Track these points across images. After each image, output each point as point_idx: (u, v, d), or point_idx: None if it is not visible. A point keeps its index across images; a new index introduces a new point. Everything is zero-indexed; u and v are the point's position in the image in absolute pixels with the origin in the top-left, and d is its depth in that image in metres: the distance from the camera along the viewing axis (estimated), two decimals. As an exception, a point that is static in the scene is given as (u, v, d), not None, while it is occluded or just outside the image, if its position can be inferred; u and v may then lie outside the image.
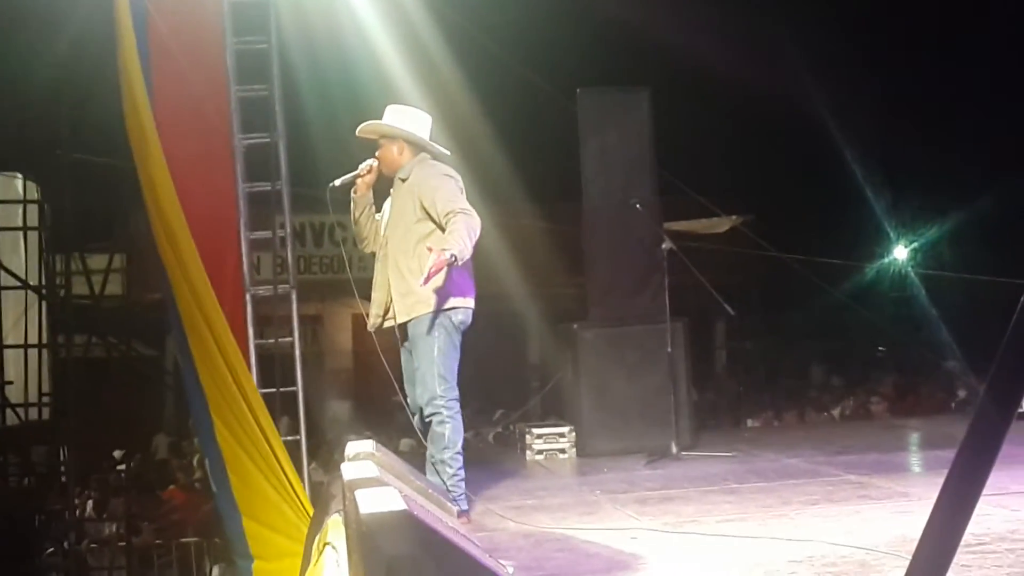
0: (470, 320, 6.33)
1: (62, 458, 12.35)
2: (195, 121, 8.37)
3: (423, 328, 6.22)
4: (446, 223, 6.10)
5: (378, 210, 6.58)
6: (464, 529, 5.12)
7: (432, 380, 6.19)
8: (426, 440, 6.41)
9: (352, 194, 6.47)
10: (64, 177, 12.33)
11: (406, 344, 6.42)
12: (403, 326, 6.33)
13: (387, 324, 6.43)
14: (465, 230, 6.00)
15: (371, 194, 6.49)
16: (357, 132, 6.49)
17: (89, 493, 13.21)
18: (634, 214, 9.14)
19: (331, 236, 18.66)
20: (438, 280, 6.08)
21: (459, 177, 6.39)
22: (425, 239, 6.18)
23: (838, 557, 4.60)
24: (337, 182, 6.38)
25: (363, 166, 6.42)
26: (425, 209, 6.23)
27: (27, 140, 12.79)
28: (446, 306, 6.21)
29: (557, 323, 10.59)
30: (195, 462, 13.55)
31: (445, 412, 6.18)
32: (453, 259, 5.84)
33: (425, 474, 6.22)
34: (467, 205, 6.18)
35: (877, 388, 16.44)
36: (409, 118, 6.46)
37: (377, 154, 6.44)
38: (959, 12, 17.27)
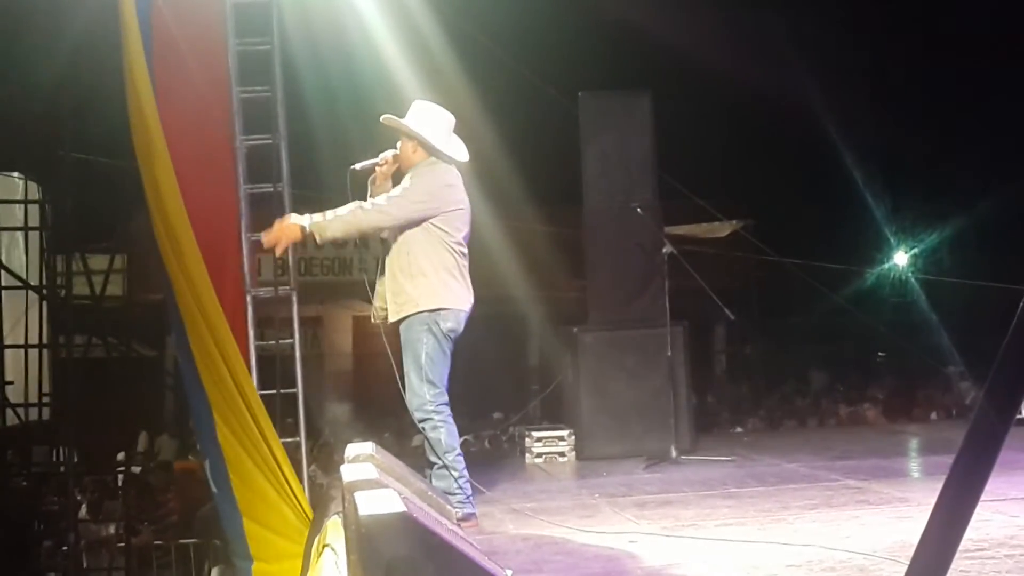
0: (460, 327, 6.33)
1: (62, 458, 12.34)
2: (197, 122, 8.36)
3: (412, 333, 6.24)
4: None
5: None
6: (463, 531, 5.13)
7: (421, 386, 6.20)
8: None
9: (370, 184, 6.53)
10: (65, 177, 12.32)
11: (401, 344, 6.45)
12: (398, 325, 6.36)
13: (392, 318, 6.47)
14: (350, 216, 6.23)
15: (389, 184, 6.54)
16: (381, 120, 6.54)
17: (87, 494, 13.21)
18: (635, 218, 9.15)
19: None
20: (428, 282, 6.22)
21: (449, 185, 6.40)
22: (412, 240, 6.29)
23: (836, 562, 4.60)
24: (358, 166, 6.50)
25: (383, 156, 6.51)
26: None
27: (29, 140, 12.79)
28: (432, 306, 6.23)
29: (557, 326, 10.59)
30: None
31: (436, 417, 6.19)
32: (303, 228, 6.20)
33: (425, 476, 6.23)
34: (397, 211, 6.26)
35: (876, 393, 16.45)
36: (430, 119, 6.47)
37: (398, 147, 6.50)
38: (961, 16, 17.26)
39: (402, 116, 6.49)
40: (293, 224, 6.23)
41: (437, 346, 6.24)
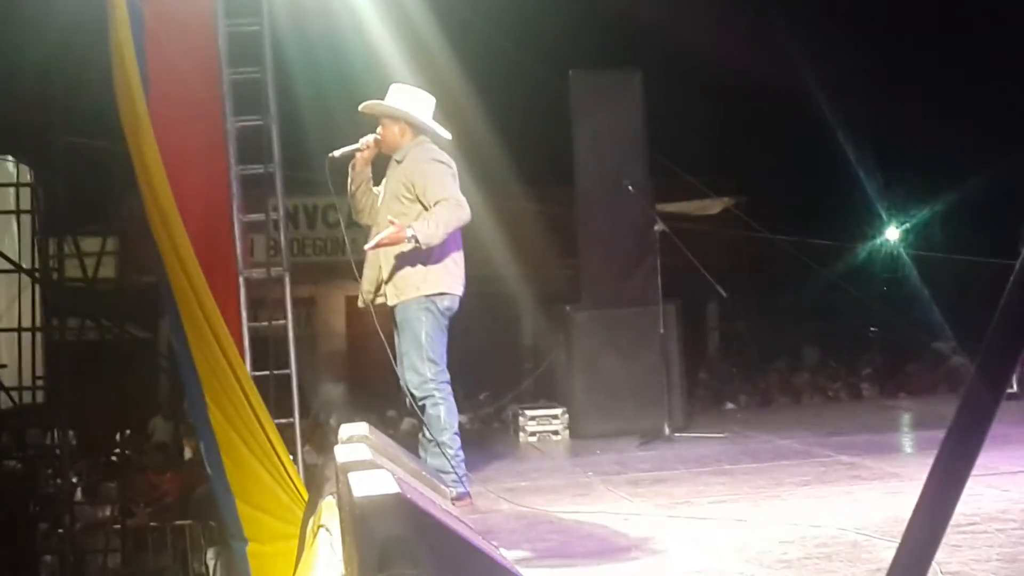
0: (456, 307, 6.37)
1: (56, 441, 12.36)
2: (188, 104, 8.36)
3: (410, 313, 6.25)
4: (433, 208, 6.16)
5: (376, 184, 6.60)
6: (458, 511, 5.14)
7: (422, 364, 6.21)
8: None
9: (350, 169, 6.52)
10: (57, 160, 12.30)
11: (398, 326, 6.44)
12: (393, 308, 6.36)
13: (378, 300, 6.43)
14: (445, 218, 6.10)
15: (369, 169, 6.54)
16: (360, 108, 6.52)
17: (83, 476, 13.22)
18: (626, 196, 9.14)
19: (324, 218, 18.63)
20: (433, 269, 6.21)
21: (453, 163, 6.41)
22: (415, 222, 6.24)
23: (829, 537, 4.62)
24: (336, 153, 6.44)
25: (363, 141, 6.46)
26: (416, 193, 6.26)
27: (20, 123, 12.77)
28: (434, 291, 6.24)
29: (550, 305, 10.59)
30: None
31: (438, 394, 6.21)
32: (414, 240, 5.99)
33: (419, 456, 6.25)
34: (459, 195, 6.22)
35: (868, 368, 16.48)
36: (412, 99, 6.47)
37: (379, 132, 6.46)
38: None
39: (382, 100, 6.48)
40: (402, 234, 6.07)
41: (436, 323, 6.26)
